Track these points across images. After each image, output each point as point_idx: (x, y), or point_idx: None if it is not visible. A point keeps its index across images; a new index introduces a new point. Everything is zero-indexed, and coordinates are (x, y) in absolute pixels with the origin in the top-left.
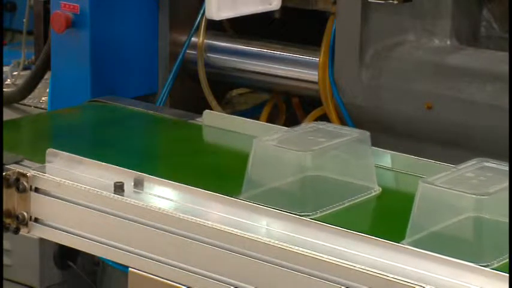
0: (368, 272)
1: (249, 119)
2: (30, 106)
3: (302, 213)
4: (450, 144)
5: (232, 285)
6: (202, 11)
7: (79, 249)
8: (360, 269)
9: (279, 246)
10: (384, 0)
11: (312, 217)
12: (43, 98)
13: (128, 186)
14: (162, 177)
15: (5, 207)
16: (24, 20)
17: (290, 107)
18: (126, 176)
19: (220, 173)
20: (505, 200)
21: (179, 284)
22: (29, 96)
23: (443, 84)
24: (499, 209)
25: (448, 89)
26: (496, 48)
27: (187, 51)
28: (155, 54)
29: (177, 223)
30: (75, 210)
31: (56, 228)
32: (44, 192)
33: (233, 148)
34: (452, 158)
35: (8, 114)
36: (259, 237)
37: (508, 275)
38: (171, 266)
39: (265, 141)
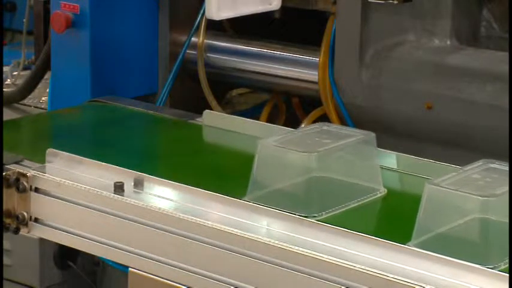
0: (368, 272)
1: (249, 119)
2: (30, 106)
3: (307, 215)
4: (450, 144)
5: (232, 285)
6: (202, 11)
7: (79, 249)
8: (360, 269)
9: (279, 246)
10: (384, 0)
11: (317, 219)
12: (43, 98)
13: (128, 186)
14: (162, 177)
15: (5, 207)
16: (24, 20)
17: (290, 107)
18: (126, 176)
19: (220, 173)
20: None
21: (179, 284)
22: (29, 96)
23: (443, 84)
24: (506, 211)
25: (448, 89)
26: (496, 48)
27: (187, 51)
28: (155, 54)
29: (177, 223)
30: (75, 210)
31: (56, 228)
32: (44, 192)
33: (233, 148)
34: (452, 158)
35: (8, 114)
36: (259, 237)
37: (508, 275)
38: (171, 266)
39: (271, 142)
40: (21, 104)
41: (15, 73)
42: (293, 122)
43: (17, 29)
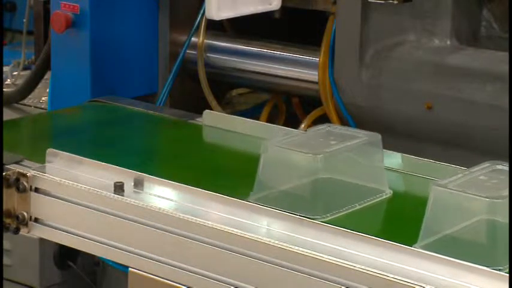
0: (368, 272)
1: (249, 119)
2: (30, 106)
3: (313, 216)
4: (450, 144)
5: (232, 285)
6: (202, 11)
7: (79, 249)
8: (360, 269)
9: (279, 246)
10: (384, 0)
11: (322, 220)
12: (43, 98)
13: (128, 186)
14: (162, 177)
15: (5, 207)
16: (24, 20)
17: (290, 107)
18: (126, 176)
19: (220, 173)
20: None
21: (179, 284)
22: (29, 96)
23: (443, 84)
24: None
25: (448, 89)
26: (496, 48)
27: (187, 51)
28: (155, 54)
29: (177, 223)
30: (75, 210)
31: (56, 228)
32: (44, 192)
33: (233, 148)
34: (452, 158)
35: (8, 114)
36: (260, 237)
37: (508, 275)
38: (171, 266)
39: (276, 143)
40: (21, 104)
41: (15, 73)
42: (293, 122)
43: (17, 29)
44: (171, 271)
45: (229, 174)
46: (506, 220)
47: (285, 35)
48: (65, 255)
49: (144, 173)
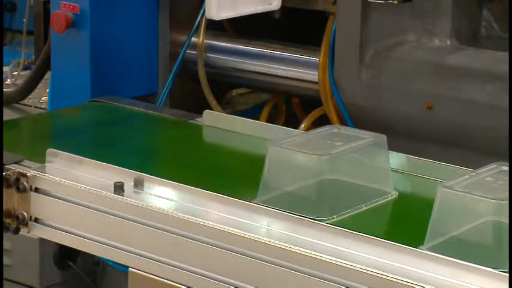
0: (368, 272)
1: (249, 119)
2: (30, 106)
3: (318, 218)
4: (450, 144)
5: (232, 285)
6: (202, 11)
7: (79, 249)
8: (360, 269)
9: (279, 246)
10: (384, 0)
11: (328, 222)
12: (43, 98)
13: (128, 186)
14: (162, 177)
15: (5, 207)
16: (24, 20)
17: (290, 107)
18: (126, 176)
19: (220, 173)
20: None
21: (179, 284)
22: (29, 96)
23: (443, 84)
24: None
25: (448, 89)
26: (496, 48)
27: (187, 51)
28: (155, 54)
29: (177, 223)
30: (75, 210)
31: (56, 228)
32: (44, 192)
33: (233, 148)
34: (452, 158)
35: (8, 114)
36: (260, 237)
37: (508, 275)
38: (171, 266)
39: (282, 144)
40: (21, 104)
41: (15, 73)
42: (293, 122)
43: (17, 29)
44: (171, 271)
45: (229, 174)
46: None
47: (285, 35)
48: (65, 255)
49: (144, 173)
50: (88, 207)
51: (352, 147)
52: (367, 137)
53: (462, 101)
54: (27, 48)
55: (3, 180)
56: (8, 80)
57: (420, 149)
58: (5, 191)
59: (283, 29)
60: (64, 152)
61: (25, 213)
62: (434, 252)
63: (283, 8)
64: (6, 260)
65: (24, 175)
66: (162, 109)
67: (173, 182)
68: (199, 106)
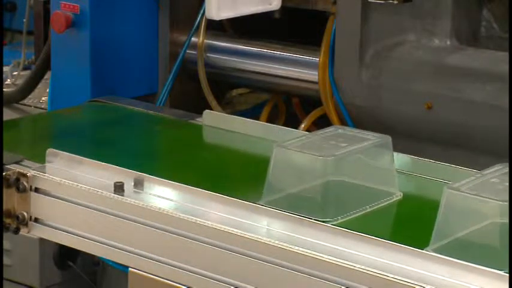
0: (368, 272)
1: (249, 119)
2: (30, 106)
3: (323, 219)
4: (450, 144)
5: (232, 285)
6: (202, 11)
7: (79, 249)
8: (360, 269)
9: (279, 246)
10: (384, 0)
11: (333, 223)
12: (43, 98)
13: (128, 186)
14: (162, 177)
15: (5, 207)
16: (24, 20)
17: (290, 107)
18: (126, 176)
19: (220, 173)
20: None
21: (179, 284)
22: (29, 96)
23: (443, 84)
24: None
25: (448, 89)
26: (496, 48)
27: (187, 51)
28: (155, 54)
29: (177, 223)
30: (75, 210)
31: (56, 228)
32: (44, 192)
33: (233, 148)
34: (452, 158)
35: (8, 114)
36: (260, 237)
37: (508, 275)
38: (171, 266)
39: (286, 146)
40: (21, 104)
41: (15, 73)
42: (293, 122)
43: (17, 29)
44: (171, 271)
45: (229, 174)
46: None
47: (285, 35)
48: (65, 255)
49: (144, 173)
50: (88, 207)
51: (357, 148)
52: (372, 138)
53: (462, 101)
54: (27, 48)
55: (3, 180)
56: (8, 80)
57: (420, 149)
58: (5, 191)
59: (283, 29)
60: (64, 152)
61: (25, 213)
62: (440, 253)
63: (283, 8)
64: (6, 260)
65: (24, 175)
66: (162, 109)
67: (173, 182)
68: (199, 106)
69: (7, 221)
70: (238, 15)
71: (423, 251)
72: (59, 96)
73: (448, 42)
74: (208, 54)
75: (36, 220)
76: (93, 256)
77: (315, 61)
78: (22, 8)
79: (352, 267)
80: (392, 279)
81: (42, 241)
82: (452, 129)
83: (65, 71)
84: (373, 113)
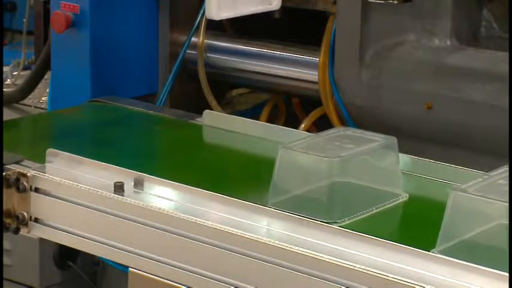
0: (368, 272)
1: (249, 119)
2: (30, 106)
3: (329, 221)
4: (450, 144)
5: (232, 285)
6: (202, 11)
7: (79, 249)
8: (360, 269)
9: (279, 246)
10: (384, 0)
11: (339, 224)
12: (43, 98)
13: (128, 186)
14: (162, 177)
15: (5, 207)
16: (24, 20)
17: (290, 107)
18: (126, 176)
19: (221, 173)
20: None
21: (179, 284)
22: (29, 96)
23: (443, 84)
24: None
25: (448, 89)
26: (496, 48)
27: (187, 51)
28: (155, 54)
29: (177, 223)
30: (75, 210)
31: (56, 228)
32: (44, 192)
33: (233, 148)
34: (452, 158)
35: (8, 114)
36: (260, 237)
37: (508, 274)
38: (171, 266)
39: (292, 147)
40: (21, 104)
41: (15, 73)
42: (293, 122)
43: (17, 29)
44: (171, 271)
45: (229, 174)
46: None
47: (285, 35)
48: (65, 255)
49: (144, 173)
50: (88, 207)
51: (363, 149)
52: (378, 139)
53: (462, 101)
54: (27, 48)
55: (3, 180)
56: (8, 80)
57: (420, 149)
58: (5, 191)
59: (283, 29)
60: (64, 152)
61: (25, 213)
62: (447, 255)
63: (283, 8)
64: (6, 260)
65: (24, 175)
66: (162, 109)
67: (173, 182)
68: (199, 106)
69: (7, 221)
70: (238, 15)
71: (423, 251)
72: (59, 96)
73: (448, 42)
74: (208, 54)
75: (36, 220)
76: (93, 256)
77: (315, 61)
78: (22, 8)
79: (352, 267)
80: (392, 279)
81: (42, 241)
82: (452, 129)
83: (65, 71)
84: (373, 113)
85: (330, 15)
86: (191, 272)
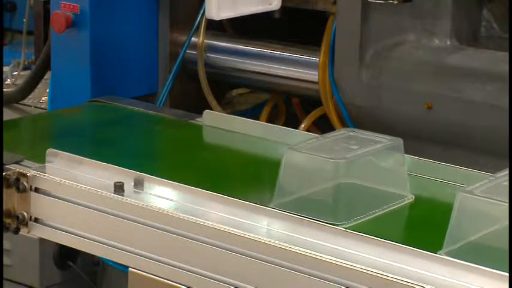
0: (368, 272)
1: (249, 119)
2: (30, 106)
3: (335, 222)
4: (450, 144)
5: (232, 285)
6: (202, 11)
7: (79, 249)
8: (360, 269)
9: (279, 246)
10: (384, 0)
11: (345, 226)
12: (43, 98)
13: (128, 186)
14: (162, 177)
15: (5, 207)
16: (24, 20)
17: (290, 107)
18: (126, 176)
19: (221, 173)
20: None
21: (179, 284)
22: (29, 96)
23: (443, 84)
24: None
25: (448, 89)
26: (496, 48)
27: (187, 51)
28: (155, 54)
29: (177, 223)
30: (75, 210)
31: (56, 228)
32: (44, 192)
33: (233, 148)
34: (452, 158)
35: (8, 114)
36: (260, 237)
37: (508, 274)
38: (171, 266)
39: (297, 148)
40: (21, 104)
41: (15, 73)
42: (293, 122)
43: (17, 29)
44: (171, 271)
45: (229, 174)
46: None
47: (285, 35)
48: (65, 255)
49: (144, 173)
50: (88, 207)
51: (369, 150)
52: (384, 140)
53: (462, 101)
54: (27, 48)
55: (3, 180)
56: (8, 80)
57: (420, 149)
58: (5, 191)
59: (283, 29)
60: (64, 152)
61: (25, 213)
62: (453, 257)
63: (283, 8)
64: (6, 260)
65: (24, 175)
66: (162, 109)
67: (173, 182)
68: (199, 106)
69: (7, 221)
70: (238, 15)
71: (423, 251)
72: (59, 96)
73: (448, 42)
74: (208, 54)
75: (36, 220)
76: (93, 256)
77: (315, 61)
78: (22, 8)
79: (352, 267)
80: (392, 279)
81: (42, 241)
82: (452, 129)
83: (65, 71)
84: (373, 113)
85: (330, 15)
86: (191, 272)
